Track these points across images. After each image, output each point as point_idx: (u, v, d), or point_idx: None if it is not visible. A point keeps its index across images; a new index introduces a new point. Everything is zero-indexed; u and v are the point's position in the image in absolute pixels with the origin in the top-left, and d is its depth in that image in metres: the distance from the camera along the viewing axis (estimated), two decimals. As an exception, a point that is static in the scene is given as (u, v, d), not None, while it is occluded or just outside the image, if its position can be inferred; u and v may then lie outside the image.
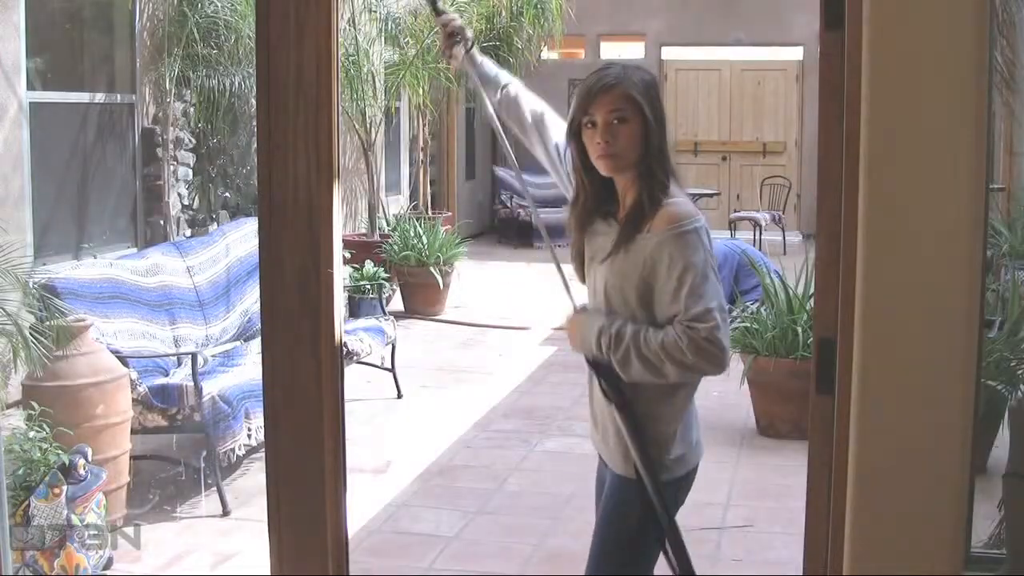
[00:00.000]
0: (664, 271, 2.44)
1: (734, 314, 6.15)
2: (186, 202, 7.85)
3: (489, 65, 2.94)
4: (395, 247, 9.25)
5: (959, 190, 2.13)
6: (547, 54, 14.77)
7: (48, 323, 4.28)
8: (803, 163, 14.14)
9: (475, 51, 2.87)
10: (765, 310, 5.92)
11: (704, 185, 14.00)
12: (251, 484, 4.93)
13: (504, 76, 2.91)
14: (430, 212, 11.43)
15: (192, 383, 4.69)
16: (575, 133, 2.60)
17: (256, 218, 2.65)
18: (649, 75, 2.62)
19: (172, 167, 7.58)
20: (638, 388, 2.52)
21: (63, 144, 6.79)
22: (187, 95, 7.74)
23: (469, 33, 2.87)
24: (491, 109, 2.89)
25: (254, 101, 6.14)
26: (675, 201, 2.50)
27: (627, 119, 2.52)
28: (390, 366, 6.74)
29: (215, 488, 4.67)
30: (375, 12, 9.89)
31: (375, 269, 8.76)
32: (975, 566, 2.87)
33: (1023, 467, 2.96)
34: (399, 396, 6.66)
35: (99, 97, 7.11)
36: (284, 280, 2.54)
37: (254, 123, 4.64)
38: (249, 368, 5.18)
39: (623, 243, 2.52)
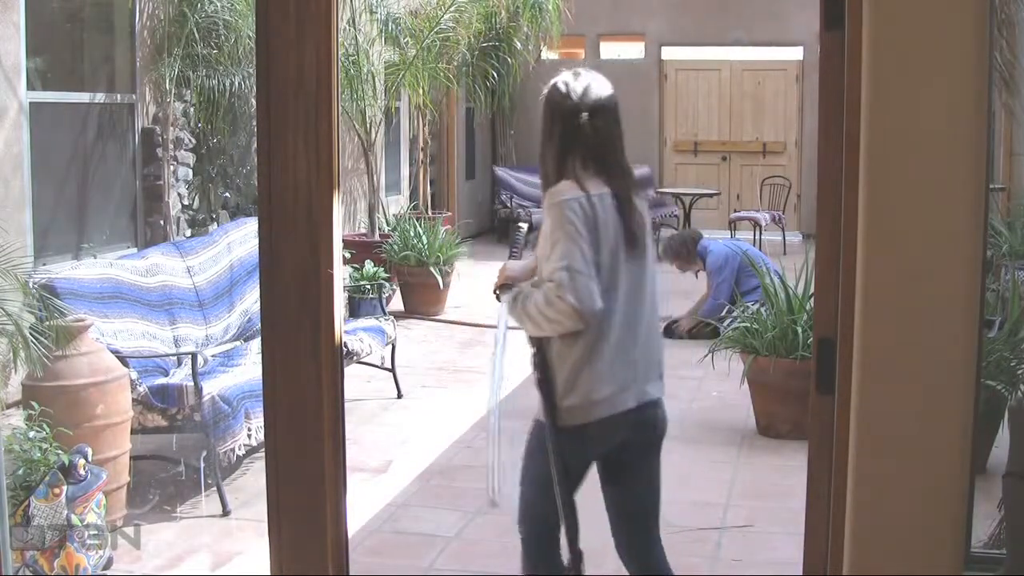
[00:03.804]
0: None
1: (734, 314, 6.16)
2: (186, 202, 7.85)
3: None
4: (395, 247, 9.25)
5: (959, 190, 2.14)
6: (547, 54, 14.77)
7: (48, 323, 4.27)
8: (803, 163, 14.13)
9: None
10: (765, 310, 5.92)
11: (704, 185, 13.99)
12: (251, 484, 4.93)
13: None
14: (430, 212, 11.43)
15: (192, 383, 4.69)
16: None
17: (256, 218, 2.66)
18: (549, 87, 3.08)
19: (172, 167, 7.58)
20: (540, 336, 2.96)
21: (63, 144, 6.79)
22: (187, 95, 7.73)
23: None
24: None
25: (254, 101, 6.14)
26: (555, 187, 2.97)
27: None
28: (390, 366, 6.74)
29: (215, 488, 4.67)
30: (375, 12, 9.89)
31: (375, 269, 8.76)
32: (975, 566, 2.87)
33: (1023, 467, 2.96)
34: (399, 396, 6.66)
35: (99, 97, 7.11)
36: (284, 280, 2.54)
37: (254, 123, 4.64)
38: (249, 368, 5.17)
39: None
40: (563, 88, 3.04)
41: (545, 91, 3.07)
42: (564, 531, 3.02)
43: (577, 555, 3.00)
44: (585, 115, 2.98)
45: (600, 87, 3.02)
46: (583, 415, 2.90)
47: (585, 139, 2.98)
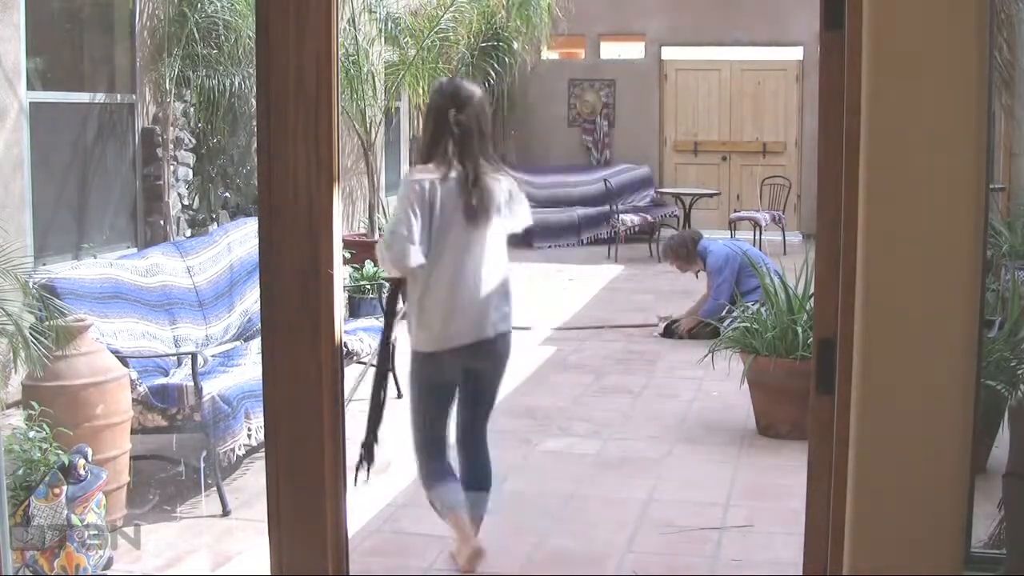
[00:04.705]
0: None
1: (734, 314, 6.16)
2: (186, 202, 7.85)
3: None
4: (395, 247, 9.24)
5: (959, 190, 2.14)
6: (547, 54, 14.76)
7: (48, 323, 4.27)
8: (803, 163, 14.12)
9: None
10: (765, 310, 5.92)
11: (704, 185, 13.98)
12: (251, 484, 4.92)
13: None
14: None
15: (192, 383, 4.69)
16: None
17: (256, 218, 2.66)
18: (432, 88, 3.74)
19: (172, 167, 7.58)
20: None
21: (63, 144, 6.79)
22: (187, 95, 7.73)
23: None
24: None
25: (254, 101, 6.14)
26: (414, 167, 3.90)
27: None
28: (390, 366, 6.72)
29: (215, 488, 4.67)
30: (375, 12, 9.90)
31: (375, 269, 8.75)
32: (975, 566, 2.87)
33: (1023, 467, 2.96)
34: (399, 396, 6.64)
35: (99, 97, 7.11)
36: (284, 280, 2.54)
37: (254, 123, 4.65)
38: (249, 368, 5.17)
39: None
40: (439, 89, 3.99)
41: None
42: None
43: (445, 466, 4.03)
44: (453, 111, 3.77)
45: (468, 91, 3.84)
46: (435, 344, 3.84)
47: (450, 130, 3.77)
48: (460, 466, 4.09)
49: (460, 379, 3.98)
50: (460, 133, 3.78)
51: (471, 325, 3.83)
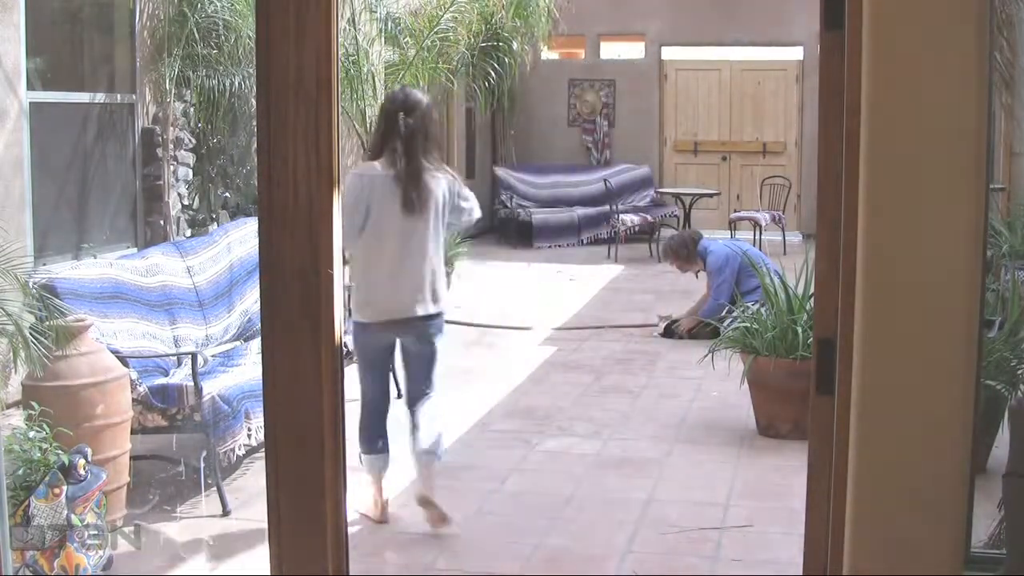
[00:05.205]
0: None
1: (734, 314, 6.16)
2: (186, 202, 7.85)
3: None
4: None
5: (959, 190, 2.14)
6: (547, 54, 14.77)
7: (48, 323, 4.27)
8: (803, 163, 14.13)
9: None
10: (765, 310, 5.92)
11: (704, 185, 13.98)
12: (251, 484, 4.93)
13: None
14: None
15: (192, 383, 4.69)
16: None
17: (256, 218, 2.66)
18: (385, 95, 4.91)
19: (172, 167, 7.58)
20: None
21: (63, 144, 6.79)
22: (187, 95, 7.73)
23: None
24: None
25: (254, 101, 6.14)
26: (361, 163, 4.49)
27: None
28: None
29: (215, 488, 4.67)
30: (375, 12, 9.90)
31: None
32: (975, 566, 2.87)
33: (1023, 467, 2.96)
34: (399, 396, 6.65)
35: (99, 97, 7.11)
36: (284, 280, 2.54)
37: (254, 123, 4.66)
38: (249, 368, 5.17)
39: None
40: (391, 96, 4.53)
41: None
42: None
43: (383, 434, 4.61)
44: (402, 115, 4.29)
45: (416, 99, 4.39)
46: (373, 316, 4.46)
47: (398, 131, 4.29)
48: (413, 427, 4.56)
49: (402, 353, 4.59)
50: (407, 134, 4.29)
51: (404, 304, 4.38)
